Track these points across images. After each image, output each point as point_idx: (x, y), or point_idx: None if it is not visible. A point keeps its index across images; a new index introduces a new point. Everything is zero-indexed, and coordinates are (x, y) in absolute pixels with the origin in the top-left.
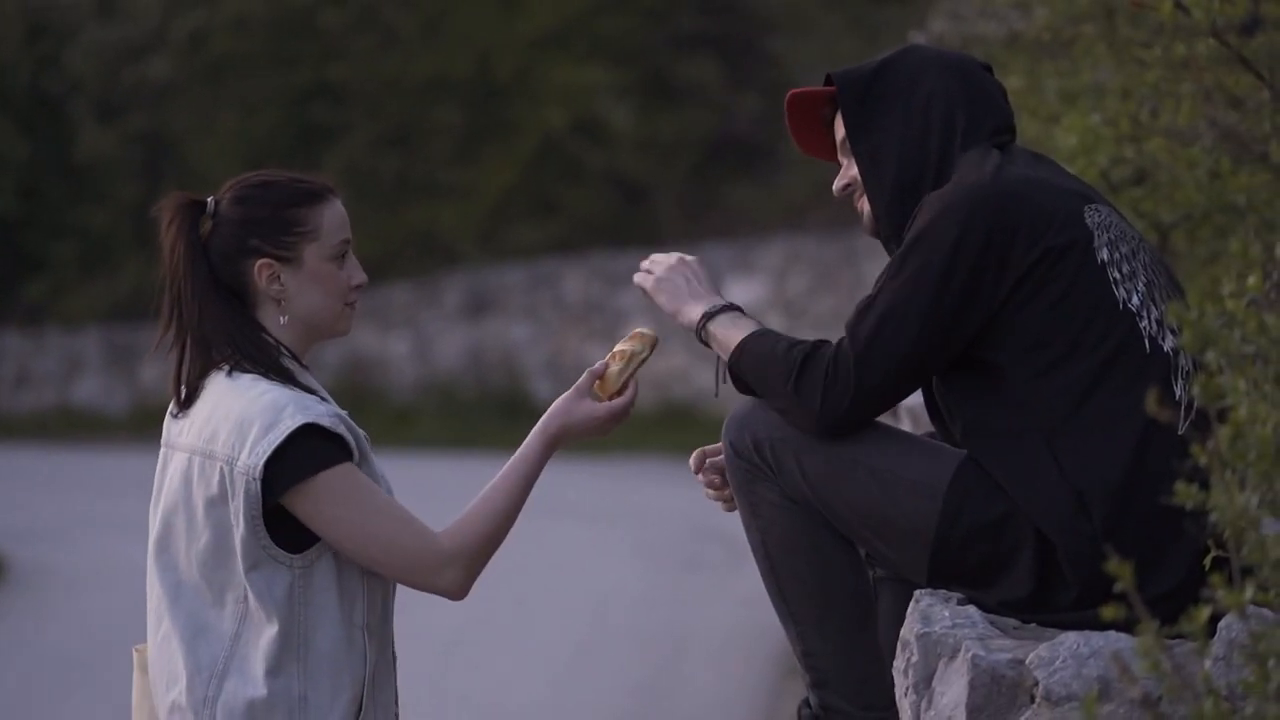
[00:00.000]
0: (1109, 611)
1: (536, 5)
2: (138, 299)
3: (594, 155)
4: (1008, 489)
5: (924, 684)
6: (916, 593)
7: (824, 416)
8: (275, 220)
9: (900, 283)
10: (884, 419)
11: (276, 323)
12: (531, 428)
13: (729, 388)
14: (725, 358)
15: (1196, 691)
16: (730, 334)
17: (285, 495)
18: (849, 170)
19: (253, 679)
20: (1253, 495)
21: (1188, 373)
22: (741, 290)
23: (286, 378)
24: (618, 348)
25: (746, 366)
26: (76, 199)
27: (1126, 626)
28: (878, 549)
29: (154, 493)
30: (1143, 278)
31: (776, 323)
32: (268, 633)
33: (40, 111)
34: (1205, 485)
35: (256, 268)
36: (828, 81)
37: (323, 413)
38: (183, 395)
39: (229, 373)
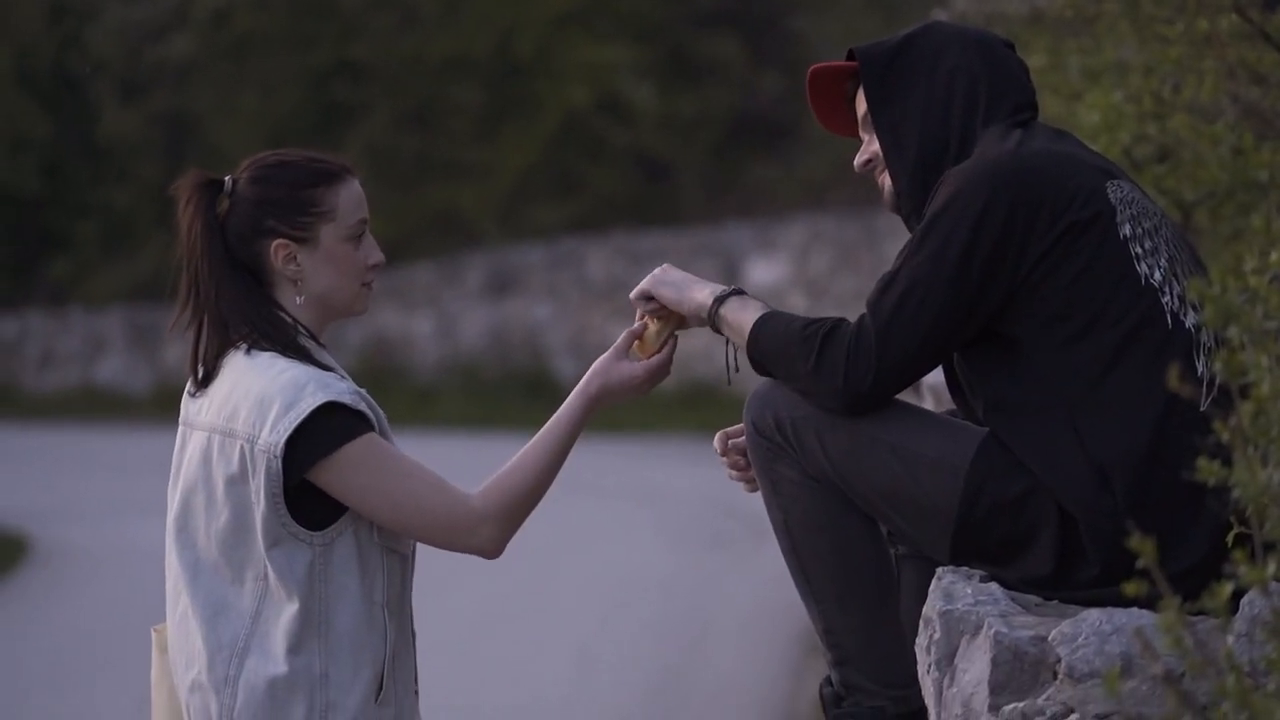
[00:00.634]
0: (1131, 588)
1: None
2: (160, 278)
3: (615, 134)
4: (1030, 465)
5: (946, 661)
6: (939, 570)
7: (846, 394)
8: (292, 200)
9: (922, 258)
10: (907, 397)
11: (293, 302)
12: (554, 407)
13: (740, 375)
14: (739, 341)
15: (1219, 668)
16: (742, 316)
17: (311, 471)
18: (870, 146)
19: (274, 657)
20: (1275, 471)
21: (1210, 349)
22: (763, 269)
23: (304, 356)
24: (653, 307)
25: (764, 347)
26: (99, 179)
27: (1149, 603)
28: (899, 527)
29: (172, 471)
30: (1165, 253)
31: (798, 302)
32: (288, 610)
33: (63, 91)
34: (1227, 461)
35: (273, 248)
36: (850, 57)
37: (343, 390)
38: (200, 374)
39: (247, 351)
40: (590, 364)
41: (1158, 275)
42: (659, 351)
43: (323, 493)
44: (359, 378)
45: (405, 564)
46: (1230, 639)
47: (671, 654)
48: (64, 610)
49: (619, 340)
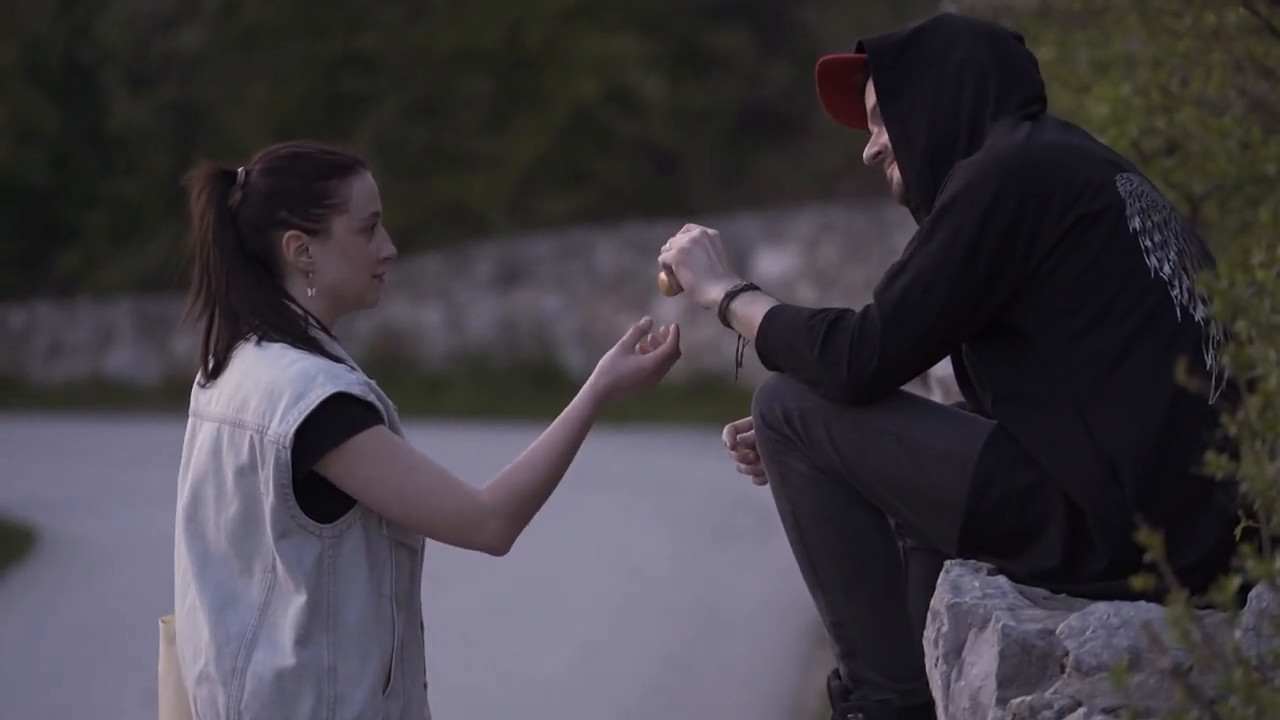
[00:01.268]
0: (1139, 581)
1: None
2: (169, 269)
3: (624, 125)
4: (1038, 458)
5: (954, 654)
6: (946, 563)
7: (850, 382)
8: (304, 192)
9: (930, 249)
10: (915, 389)
11: (304, 294)
12: (562, 397)
13: (747, 369)
14: (749, 335)
15: (1226, 661)
16: (752, 310)
17: (319, 462)
18: (880, 138)
19: (282, 649)
20: None
21: (1219, 342)
22: (772, 260)
23: (314, 347)
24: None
25: (773, 340)
26: (108, 169)
27: (1157, 596)
28: (907, 519)
29: (182, 462)
30: (1174, 247)
31: (807, 293)
32: (296, 602)
33: (72, 82)
34: (1235, 455)
35: (285, 239)
36: (859, 49)
37: (353, 380)
38: (211, 365)
39: (257, 342)
40: (599, 356)
41: (1167, 268)
42: (679, 292)
43: (332, 485)
44: (367, 368)
45: (414, 557)
46: (1238, 633)
47: (678, 646)
48: (73, 601)
49: (626, 335)
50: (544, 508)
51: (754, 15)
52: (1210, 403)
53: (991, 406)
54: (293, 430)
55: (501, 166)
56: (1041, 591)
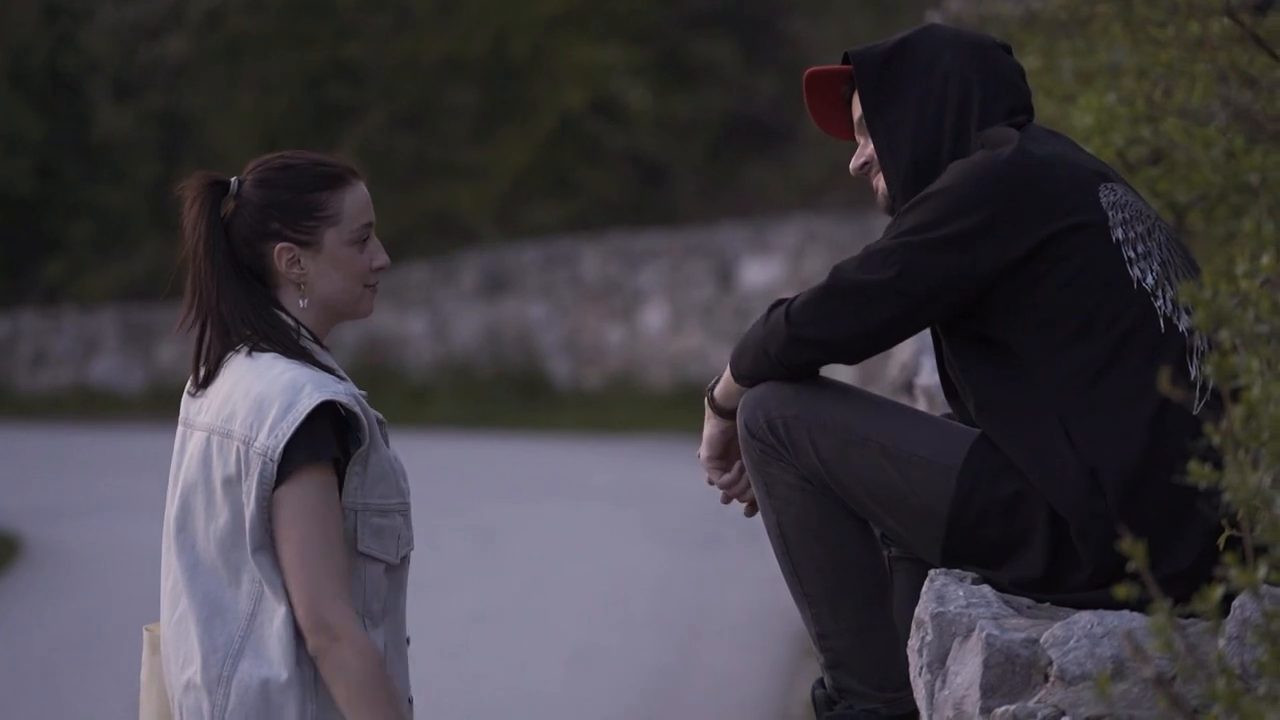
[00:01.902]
0: (1122, 590)
1: None
2: (154, 279)
3: (611, 135)
4: (1021, 467)
5: (938, 663)
6: (931, 572)
7: (789, 336)
8: (296, 204)
9: (895, 232)
10: (900, 399)
11: (297, 305)
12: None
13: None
14: (730, 378)
15: (1210, 671)
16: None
17: (289, 477)
18: (866, 148)
19: (268, 659)
20: (1266, 474)
21: (1203, 352)
22: (757, 270)
23: (306, 358)
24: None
25: (736, 355)
26: (93, 178)
27: (1140, 606)
28: (890, 527)
29: (172, 471)
30: (1158, 257)
31: None
32: (279, 614)
33: (57, 91)
34: (1219, 465)
35: (277, 251)
36: (845, 60)
37: (340, 390)
38: (201, 374)
39: (248, 352)
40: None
41: (1150, 279)
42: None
43: None
44: (353, 377)
45: (393, 572)
46: (1221, 642)
47: (664, 655)
48: (57, 610)
49: None
50: (529, 515)
51: (740, 25)
52: (1194, 413)
53: (975, 416)
54: (282, 444)
55: (488, 176)
56: (1025, 601)
